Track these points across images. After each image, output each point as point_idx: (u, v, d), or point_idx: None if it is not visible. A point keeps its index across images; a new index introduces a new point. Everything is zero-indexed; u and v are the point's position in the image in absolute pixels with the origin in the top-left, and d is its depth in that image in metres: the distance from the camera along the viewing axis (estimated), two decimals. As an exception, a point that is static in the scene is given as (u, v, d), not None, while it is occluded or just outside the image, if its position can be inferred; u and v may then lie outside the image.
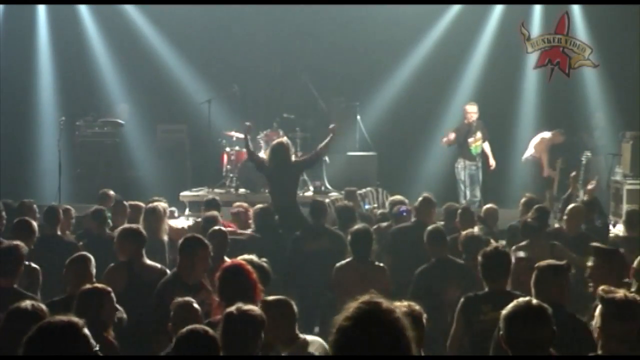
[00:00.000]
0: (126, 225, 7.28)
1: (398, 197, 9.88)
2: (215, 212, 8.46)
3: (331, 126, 10.15)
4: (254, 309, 4.29)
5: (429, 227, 7.38)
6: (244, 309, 4.20)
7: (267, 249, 6.76)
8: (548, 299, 5.03)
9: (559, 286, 5.13)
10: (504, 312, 3.94)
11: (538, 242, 7.61)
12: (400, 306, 4.16)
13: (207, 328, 4.07)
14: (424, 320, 4.24)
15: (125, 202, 9.27)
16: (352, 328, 2.49)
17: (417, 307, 4.24)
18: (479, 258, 5.70)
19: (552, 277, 5.16)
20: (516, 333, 3.84)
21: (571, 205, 8.55)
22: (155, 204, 8.45)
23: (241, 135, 13.53)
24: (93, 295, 5.00)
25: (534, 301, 4.00)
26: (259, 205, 8.63)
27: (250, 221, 8.59)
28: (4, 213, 8.49)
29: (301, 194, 11.61)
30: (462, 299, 5.67)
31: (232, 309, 4.22)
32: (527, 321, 3.84)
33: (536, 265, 5.36)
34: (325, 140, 10.26)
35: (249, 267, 5.11)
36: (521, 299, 3.99)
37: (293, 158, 9.80)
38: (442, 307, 6.36)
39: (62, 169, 12.97)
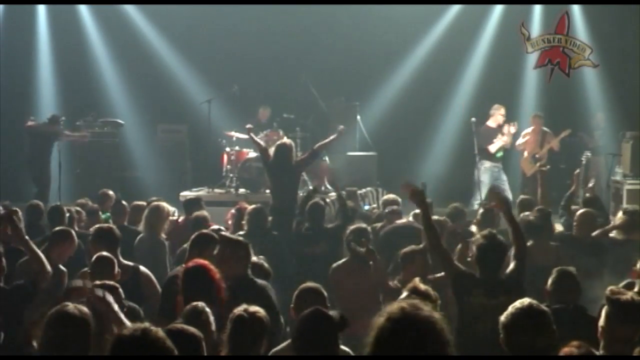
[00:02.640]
0: (98, 225, 7.15)
1: (391, 196, 9.88)
2: (204, 212, 8.44)
3: (340, 127, 10.41)
4: (260, 310, 4.41)
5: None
6: (252, 311, 4.33)
7: (259, 251, 6.75)
8: (565, 301, 5.13)
9: (576, 291, 5.27)
10: (503, 319, 3.92)
11: (542, 243, 7.52)
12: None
13: (185, 326, 4.02)
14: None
15: (124, 203, 9.25)
16: (390, 329, 2.58)
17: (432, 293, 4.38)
18: (474, 250, 5.67)
19: (570, 282, 5.28)
20: (516, 340, 3.84)
21: (581, 211, 8.21)
22: (160, 203, 8.39)
23: (241, 135, 13.59)
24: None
25: (534, 306, 3.97)
26: (253, 206, 8.59)
27: (243, 222, 8.56)
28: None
29: (301, 194, 11.59)
30: (454, 274, 5.60)
31: (241, 311, 4.33)
32: (527, 329, 3.84)
33: (556, 269, 5.41)
34: (327, 139, 10.39)
35: (212, 267, 5.10)
36: (519, 304, 3.96)
37: (294, 159, 9.86)
38: None
39: (62, 169, 12.97)
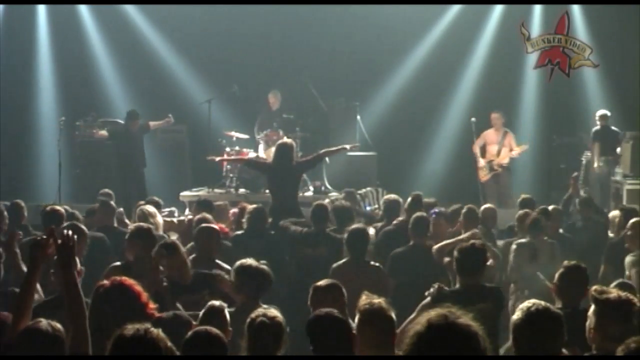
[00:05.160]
0: (137, 224, 7.21)
1: (392, 196, 9.86)
2: (206, 214, 8.42)
3: (353, 145, 10.84)
4: (278, 314, 4.47)
5: (416, 214, 7.78)
6: (272, 315, 4.38)
7: (258, 251, 6.76)
8: (573, 298, 5.05)
9: (581, 291, 5.11)
10: (515, 318, 3.88)
11: (538, 240, 7.73)
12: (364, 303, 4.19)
13: (213, 329, 4.05)
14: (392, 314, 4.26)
15: (112, 203, 9.23)
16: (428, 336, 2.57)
17: (379, 303, 4.23)
18: (455, 253, 5.72)
19: (577, 277, 5.16)
20: (527, 342, 3.80)
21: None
22: (141, 207, 8.42)
23: (241, 135, 13.60)
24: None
25: (550, 309, 3.92)
26: (253, 206, 8.58)
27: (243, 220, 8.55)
28: (6, 213, 8.52)
29: (301, 194, 11.61)
30: (432, 293, 5.55)
31: (261, 316, 4.35)
32: (538, 331, 3.80)
33: (564, 264, 5.33)
34: (334, 148, 10.52)
35: (129, 281, 4.62)
36: (535, 305, 3.90)
37: (295, 159, 9.85)
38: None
39: (62, 169, 12.97)
